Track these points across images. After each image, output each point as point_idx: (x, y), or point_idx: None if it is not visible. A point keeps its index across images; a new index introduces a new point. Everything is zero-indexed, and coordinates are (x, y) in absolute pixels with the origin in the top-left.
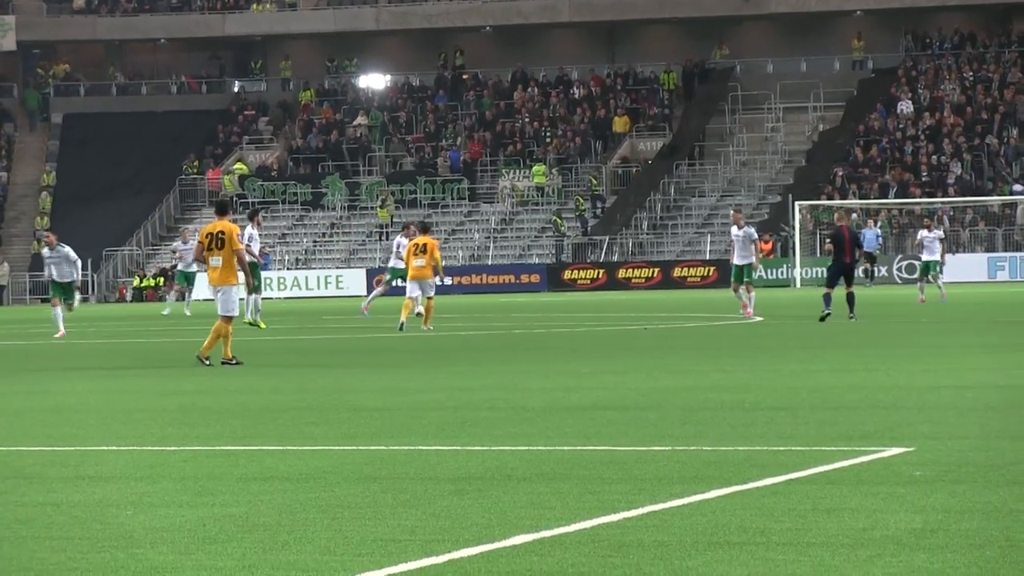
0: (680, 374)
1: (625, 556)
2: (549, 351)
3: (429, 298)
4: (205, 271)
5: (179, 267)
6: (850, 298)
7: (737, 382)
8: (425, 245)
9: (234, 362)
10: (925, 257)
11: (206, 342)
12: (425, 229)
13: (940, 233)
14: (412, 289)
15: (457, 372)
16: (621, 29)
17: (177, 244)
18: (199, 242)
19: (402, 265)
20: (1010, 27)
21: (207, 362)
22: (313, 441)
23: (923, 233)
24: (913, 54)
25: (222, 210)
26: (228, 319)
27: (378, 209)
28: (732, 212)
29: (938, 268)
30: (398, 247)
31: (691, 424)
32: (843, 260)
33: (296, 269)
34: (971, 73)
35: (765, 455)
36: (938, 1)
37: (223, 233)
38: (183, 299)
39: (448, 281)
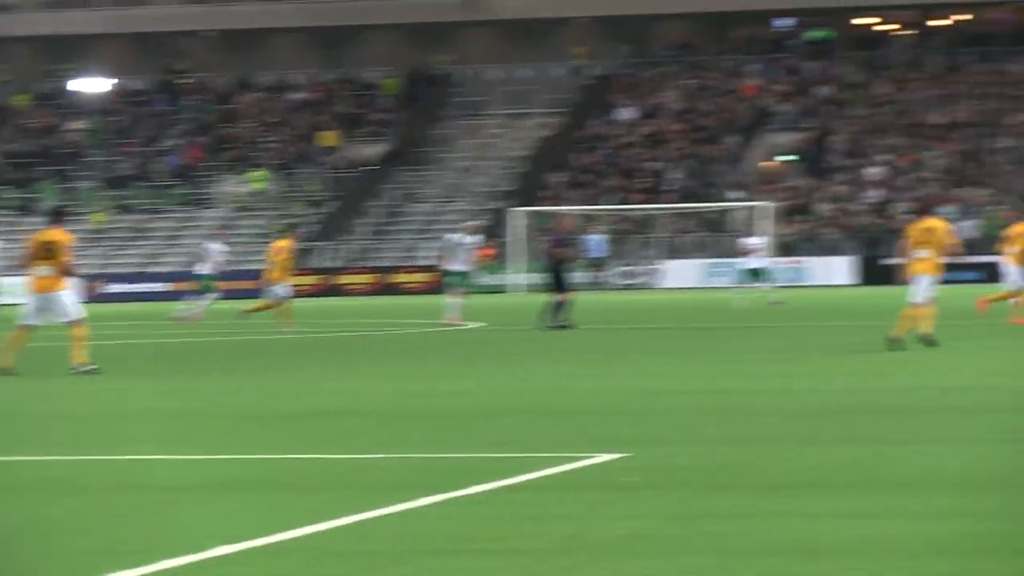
0: (396, 380)
1: (334, 566)
2: (266, 358)
3: None
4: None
5: None
6: (556, 305)
7: (456, 388)
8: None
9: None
10: (752, 264)
11: (74, 350)
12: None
13: (766, 239)
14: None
15: (151, 382)
16: (344, 34)
17: None
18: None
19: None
20: (727, 35)
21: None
22: None
23: (749, 240)
24: (633, 61)
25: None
26: (78, 323)
27: (92, 215)
28: (473, 223)
29: (766, 275)
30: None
31: (406, 431)
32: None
33: (8, 276)
34: (691, 80)
35: (478, 462)
36: (657, 9)
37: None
38: None
39: (162, 287)
